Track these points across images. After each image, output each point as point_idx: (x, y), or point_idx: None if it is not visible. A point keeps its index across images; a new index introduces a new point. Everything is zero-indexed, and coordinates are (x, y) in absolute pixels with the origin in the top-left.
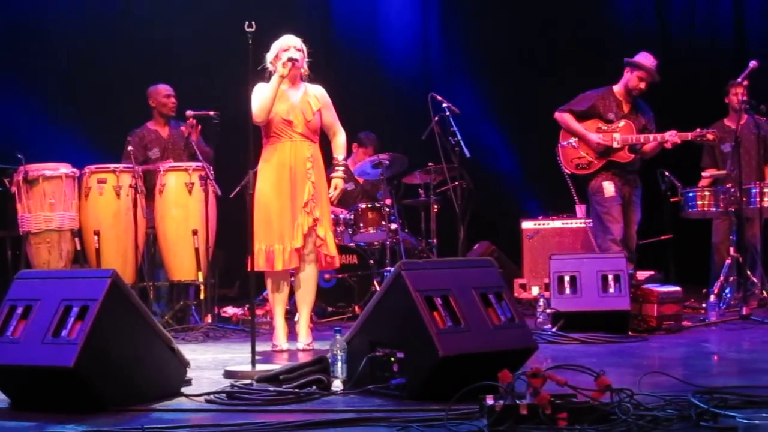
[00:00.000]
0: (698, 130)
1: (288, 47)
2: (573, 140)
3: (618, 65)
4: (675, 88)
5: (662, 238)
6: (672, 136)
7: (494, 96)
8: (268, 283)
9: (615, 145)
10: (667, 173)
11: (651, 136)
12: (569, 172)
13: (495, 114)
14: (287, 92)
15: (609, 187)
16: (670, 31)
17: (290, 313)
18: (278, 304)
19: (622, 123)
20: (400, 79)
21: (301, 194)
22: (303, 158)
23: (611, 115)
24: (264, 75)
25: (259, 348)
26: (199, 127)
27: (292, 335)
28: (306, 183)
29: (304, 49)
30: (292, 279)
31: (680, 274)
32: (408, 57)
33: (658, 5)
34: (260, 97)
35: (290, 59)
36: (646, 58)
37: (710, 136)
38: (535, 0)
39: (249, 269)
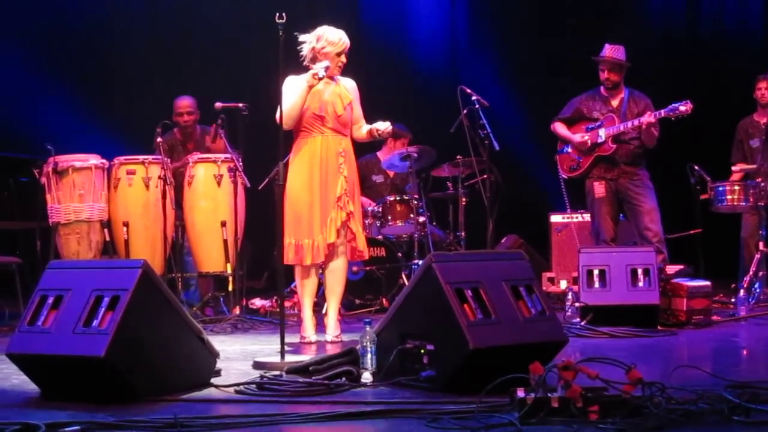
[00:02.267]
0: (671, 105)
1: (342, 51)
2: (567, 147)
3: (644, 60)
4: (703, 82)
5: (692, 232)
6: (647, 117)
7: (523, 88)
8: (297, 275)
9: (599, 140)
10: (696, 167)
11: (630, 122)
12: (565, 177)
13: (524, 106)
14: (320, 86)
15: (598, 188)
16: (698, 25)
17: (318, 306)
18: (307, 296)
19: (606, 119)
20: (428, 72)
21: (333, 189)
22: (335, 152)
23: (596, 114)
24: (299, 59)
25: (288, 340)
26: (222, 132)
27: (320, 327)
28: (338, 177)
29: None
30: (321, 273)
31: (709, 268)
32: (436, 49)
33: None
34: (288, 104)
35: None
36: (600, 53)
37: (682, 108)
38: None
39: (279, 262)
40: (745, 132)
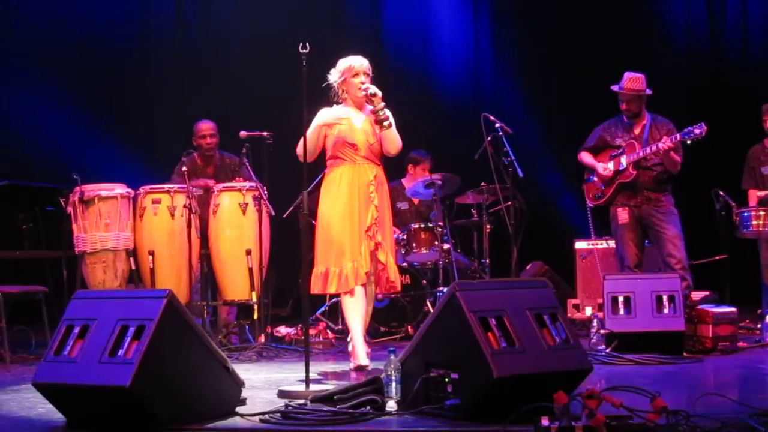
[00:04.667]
0: (686, 128)
1: (357, 72)
2: (593, 175)
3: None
4: (729, 107)
5: (717, 258)
6: (664, 143)
7: (547, 114)
8: (343, 303)
9: (621, 167)
10: (721, 193)
11: (649, 147)
12: (591, 205)
13: (548, 133)
14: (351, 114)
15: (622, 214)
16: (723, 49)
17: (343, 333)
18: (355, 323)
19: (627, 146)
20: (452, 99)
21: (364, 218)
22: (366, 181)
23: (619, 141)
24: (328, 93)
25: (313, 368)
26: (246, 160)
27: (344, 356)
28: (369, 207)
29: (371, 70)
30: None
31: (735, 294)
32: (460, 76)
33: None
34: (307, 139)
35: (369, 96)
36: (619, 83)
37: (697, 131)
38: (587, 20)
39: (305, 290)
40: (757, 159)
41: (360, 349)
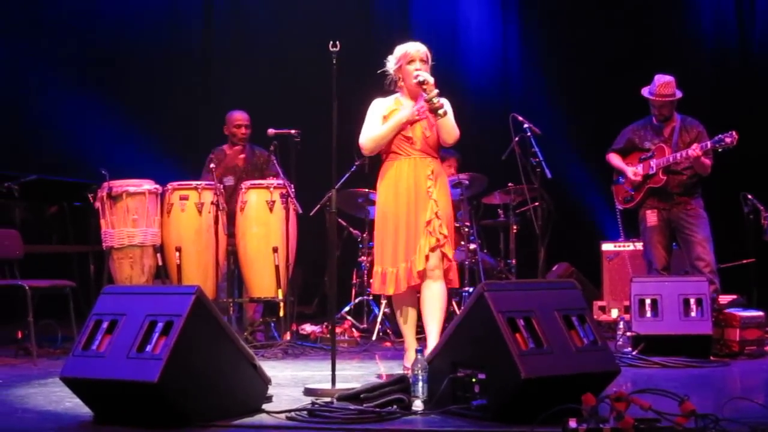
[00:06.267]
0: (716, 136)
1: (413, 59)
2: (621, 177)
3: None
4: (757, 110)
5: (744, 262)
6: (694, 150)
7: (576, 116)
8: (394, 303)
9: (651, 171)
10: (750, 196)
11: (679, 153)
12: (620, 208)
13: (576, 133)
14: (408, 106)
15: (651, 217)
16: (751, 51)
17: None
18: (407, 325)
19: (656, 149)
20: (480, 99)
21: (423, 213)
22: (423, 176)
23: (648, 144)
24: (384, 80)
25: (339, 366)
26: (274, 158)
27: (369, 355)
28: (428, 202)
29: (429, 57)
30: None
31: (763, 298)
32: (488, 76)
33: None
34: (377, 133)
35: (419, 83)
36: (648, 88)
37: (728, 140)
38: (615, 19)
39: (330, 289)
40: None
41: (410, 353)
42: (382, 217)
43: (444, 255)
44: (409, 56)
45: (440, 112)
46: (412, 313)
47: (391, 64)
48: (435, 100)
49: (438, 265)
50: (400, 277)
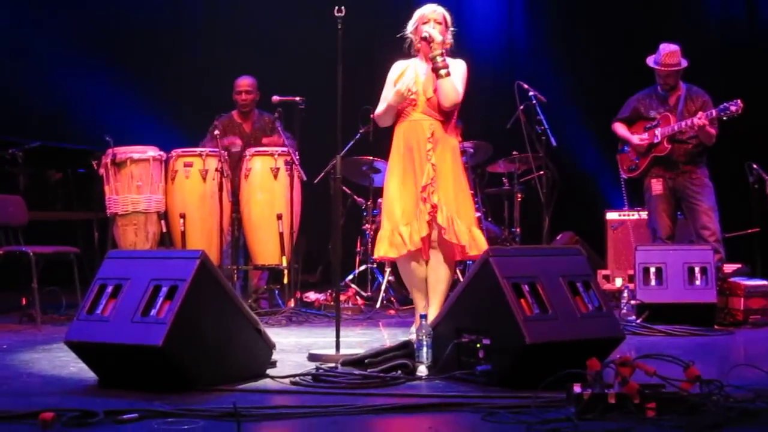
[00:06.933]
0: (721, 105)
1: (427, 20)
2: (627, 146)
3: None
4: (763, 79)
5: (749, 231)
6: (699, 119)
7: (581, 84)
8: (399, 268)
9: (656, 140)
10: (755, 166)
11: (684, 122)
12: (625, 177)
13: (581, 102)
14: (418, 68)
15: (656, 185)
16: (758, 19)
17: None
18: (414, 291)
19: (662, 118)
20: (485, 67)
21: (420, 178)
22: (423, 138)
23: (653, 113)
24: (404, 44)
25: (343, 333)
26: (279, 124)
27: (373, 322)
28: (425, 165)
29: (448, 19)
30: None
31: (767, 267)
32: (493, 44)
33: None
34: (380, 110)
35: (424, 39)
36: (653, 57)
37: (733, 108)
38: None
39: (335, 256)
40: None
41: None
42: (386, 181)
43: (436, 223)
44: (425, 17)
45: (442, 72)
46: (419, 279)
47: (410, 27)
48: (439, 59)
49: (436, 235)
50: (400, 241)
